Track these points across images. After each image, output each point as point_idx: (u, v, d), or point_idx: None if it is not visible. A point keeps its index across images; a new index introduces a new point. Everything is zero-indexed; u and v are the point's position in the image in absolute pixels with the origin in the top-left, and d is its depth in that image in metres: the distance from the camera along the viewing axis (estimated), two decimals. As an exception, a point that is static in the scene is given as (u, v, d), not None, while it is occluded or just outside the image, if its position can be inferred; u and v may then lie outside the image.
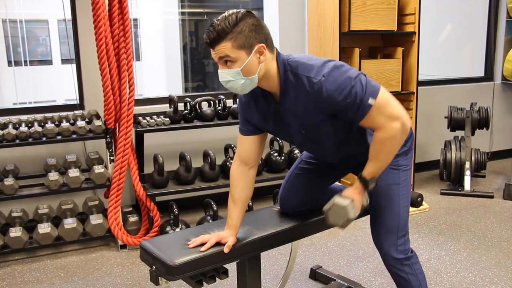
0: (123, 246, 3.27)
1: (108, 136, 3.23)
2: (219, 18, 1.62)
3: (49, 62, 10.91)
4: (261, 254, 2.04)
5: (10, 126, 3.15)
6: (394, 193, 1.91)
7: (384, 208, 1.92)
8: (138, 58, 9.61)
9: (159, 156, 3.32)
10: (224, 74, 1.66)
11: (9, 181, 3.05)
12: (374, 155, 1.75)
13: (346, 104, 1.64)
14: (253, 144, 1.91)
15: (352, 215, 1.76)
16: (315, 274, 2.81)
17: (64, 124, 3.16)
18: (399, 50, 3.90)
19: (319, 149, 1.95)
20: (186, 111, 3.52)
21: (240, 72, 1.64)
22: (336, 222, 1.80)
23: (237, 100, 3.62)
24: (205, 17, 9.95)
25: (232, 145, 3.56)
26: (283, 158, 3.67)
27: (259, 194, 3.72)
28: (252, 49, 1.63)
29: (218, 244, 1.83)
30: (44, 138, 3.10)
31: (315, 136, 1.83)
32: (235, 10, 1.64)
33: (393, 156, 1.77)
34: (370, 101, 1.64)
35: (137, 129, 3.33)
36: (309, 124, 1.77)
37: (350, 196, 1.77)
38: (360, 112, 1.66)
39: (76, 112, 3.44)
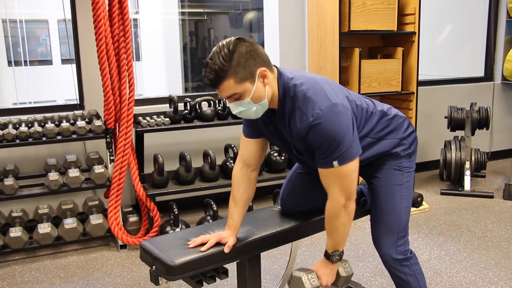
0: (123, 246, 3.27)
1: (108, 136, 3.24)
2: (211, 56, 1.59)
3: (49, 62, 10.91)
4: (261, 254, 2.04)
5: (10, 126, 3.15)
6: (396, 194, 1.91)
7: (385, 209, 1.92)
8: (138, 58, 9.61)
9: (159, 156, 3.32)
10: (236, 107, 1.66)
11: (9, 181, 3.05)
12: (328, 231, 1.83)
13: (317, 147, 1.66)
14: (256, 146, 1.91)
15: (307, 286, 1.80)
16: (315, 274, 2.81)
17: (64, 124, 3.16)
18: (399, 50, 3.90)
19: (310, 168, 1.98)
20: (186, 111, 3.52)
21: (251, 101, 1.64)
22: None
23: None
24: (205, 17, 9.95)
25: (232, 145, 3.56)
26: (283, 158, 3.67)
27: (259, 194, 3.70)
28: (255, 77, 1.62)
29: (218, 244, 1.83)
30: (44, 138, 3.10)
31: (307, 157, 1.84)
32: (224, 42, 1.60)
33: (345, 234, 1.81)
34: (335, 163, 1.66)
35: (137, 129, 3.33)
36: (299, 147, 1.79)
37: (314, 269, 1.85)
38: (322, 162, 1.69)
39: (76, 112, 3.44)
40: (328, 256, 1.84)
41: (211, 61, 1.58)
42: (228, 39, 1.61)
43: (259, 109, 1.68)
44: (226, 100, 1.68)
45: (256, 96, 1.63)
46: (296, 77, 1.71)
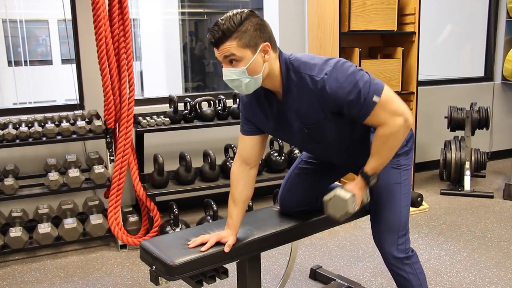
0: (123, 246, 3.27)
1: (108, 136, 3.24)
2: (223, 17, 1.62)
3: (49, 62, 10.91)
4: (261, 254, 2.04)
5: (10, 126, 3.15)
6: (395, 192, 1.91)
7: (385, 207, 1.92)
8: (138, 58, 9.61)
9: (159, 156, 3.32)
10: (229, 73, 1.66)
11: (9, 181, 3.05)
12: (376, 151, 1.75)
13: (349, 101, 1.65)
14: (254, 144, 1.91)
15: (351, 209, 1.77)
16: (315, 274, 2.81)
17: (64, 124, 3.16)
18: (399, 50, 3.90)
19: (321, 149, 1.95)
20: (186, 111, 3.52)
21: (246, 71, 1.64)
22: (334, 214, 1.81)
23: (238, 100, 3.63)
24: (205, 17, 9.94)
25: (232, 145, 3.56)
26: (283, 158, 3.67)
27: (259, 194, 3.72)
28: (257, 48, 1.63)
29: (218, 244, 1.83)
30: (44, 138, 3.10)
31: (317, 135, 1.83)
32: (239, 10, 1.64)
33: (395, 152, 1.77)
34: (375, 98, 1.64)
35: (137, 129, 3.33)
36: (312, 123, 1.77)
37: (351, 191, 1.78)
38: (364, 110, 1.66)
39: (76, 112, 3.44)
40: (368, 178, 1.78)
41: (221, 21, 1.61)
42: (242, 9, 1.65)
43: (251, 83, 1.67)
44: (222, 64, 1.68)
45: (252, 68, 1.64)
46: (293, 54, 1.75)
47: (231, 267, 2.03)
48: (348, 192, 1.77)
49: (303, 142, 1.92)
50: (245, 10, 1.64)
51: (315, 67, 1.67)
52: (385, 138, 1.71)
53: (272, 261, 3.05)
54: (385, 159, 1.77)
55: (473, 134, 4.31)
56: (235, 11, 1.64)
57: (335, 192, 1.79)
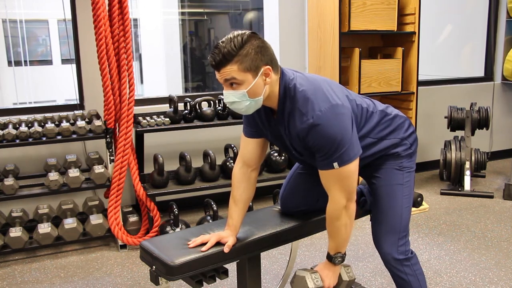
0: (123, 246, 3.27)
1: (108, 136, 3.24)
2: (224, 40, 1.61)
3: (49, 62, 10.91)
4: (261, 254, 2.04)
5: (10, 126, 3.15)
6: (397, 194, 1.91)
7: (386, 208, 1.92)
8: (137, 58, 9.61)
9: (159, 156, 3.32)
10: (230, 96, 1.65)
11: (9, 181, 3.06)
12: (329, 233, 1.84)
13: (317, 149, 1.68)
14: (256, 146, 1.91)
15: (311, 285, 1.81)
16: (315, 274, 2.81)
17: (64, 124, 3.16)
18: (399, 50, 3.90)
19: (310, 168, 1.98)
20: (186, 111, 3.52)
21: (246, 94, 1.63)
22: None
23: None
24: (205, 17, 9.94)
25: (232, 145, 3.56)
26: (283, 158, 3.67)
27: (259, 194, 3.70)
28: (258, 72, 1.62)
29: (218, 244, 1.83)
30: (44, 138, 3.10)
31: (307, 157, 1.84)
32: (240, 32, 1.62)
33: (348, 231, 1.81)
34: (335, 164, 1.67)
35: (137, 129, 3.33)
36: (298, 148, 1.80)
37: (316, 270, 1.85)
38: (322, 164, 1.70)
39: (76, 112, 3.44)
40: (330, 258, 1.84)
41: (221, 44, 1.60)
42: (243, 31, 1.64)
43: (252, 105, 1.67)
44: (223, 86, 1.68)
45: (252, 91, 1.63)
46: (296, 78, 1.72)
47: (231, 267, 2.03)
48: (306, 270, 1.85)
49: (294, 157, 1.94)
50: (247, 32, 1.62)
51: (309, 105, 1.65)
52: (329, 218, 1.79)
53: (272, 261, 3.05)
54: (342, 239, 1.82)
55: (473, 134, 4.31)
56: (235, 33, 1.62)
57: (295, 272, 1.87)
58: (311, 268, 1.91)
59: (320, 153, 1.68)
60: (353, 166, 1.69)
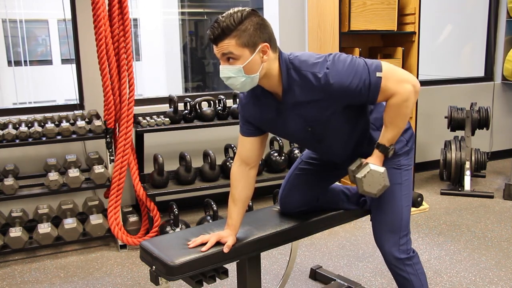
0: (123, 246, 3.27)
1: (108, 136, 3.23)
2: (224, 15, 1.63)
3: (49, 62, 10.92)
4: (261, 254, 2.04)
5: (10, 126, 3.15)
6: (396, 193, 1.91)
7: (386, 208, 1.92)
8: (138, 58, 9.62)
9: (159, 156, 3.32)
10: (226, 70, 1.66)
11: (9, 181, 3.05)
12: (390, 121, 1.78)
13: (356, 87, 1.67)
14: (254, 144, 1.91)
15: (388, 182, 1.78)
16: (315, 274, 2.81)
17: (64, 124, 3.16)
18: (399, 50, 3.90)
19: (324, 147, 1.95)
20: (186, 111, 3.52)
21: (242, 70, 1.64)
22: (371, 190, 1.81)
23: (237, 100, 3.63)
24: (205, 17, 9.95)
25: (232, 145, 3.56)
26: (283, 158, 3.67)
27: (259, 194, 3.72)
28: (255, 48, 1.63)
29: (218, 244, 1.83)
30: (44, 138, 3.10)
31: (320, 133, 1.84)
32: (240, 8, 1.64)
33: (407, 121, 1.80)
34: (378, 74, 1.68)
35: (137, 129, 3.33)
36: (316, 120, 1.78)
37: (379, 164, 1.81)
38: (373, 89, 1.69)
39: (76, 112, 3.44)
40: (385, 149, 1.81)
41: (221, 18, 1.62)
42: (243, 8, 1.65)
43: (247, 82, 1.68)
44: (220, 61, 1.69)
45: (249, 67, 1.64)
46: (293, 53, 1.76)
47: (231, 267, 2.03)
48: (378, 165, 1.79)
49: (304, 140, 1.92)
50: (247, 9, 1.64)
51: (316, 65, 1.68)
52: (397, 106, 1.73)
53: (272, 261, 3.05)
54: (399, 129, 1.80)
55: (473, 134, 4.31)
56: (236, 9, 1.64)
57: (368, 168, 1.79)
58: (360, 159, 1.82)
59: (359, 86, 1.66)
60: (388, 64, 1.72)
